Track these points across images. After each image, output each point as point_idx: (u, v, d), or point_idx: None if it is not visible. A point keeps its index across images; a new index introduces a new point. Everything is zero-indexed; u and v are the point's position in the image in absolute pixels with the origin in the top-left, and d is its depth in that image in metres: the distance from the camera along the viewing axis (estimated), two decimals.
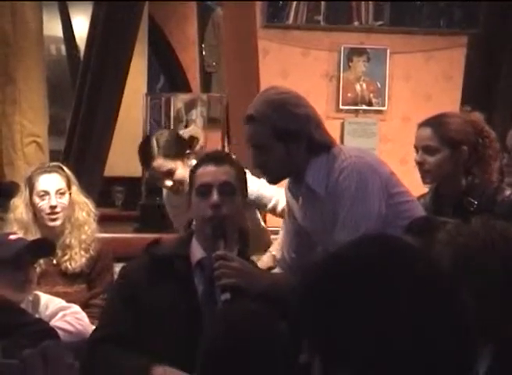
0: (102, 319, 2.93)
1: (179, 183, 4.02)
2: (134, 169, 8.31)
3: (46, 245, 3.54)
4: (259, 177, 3.57)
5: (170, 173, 4.03)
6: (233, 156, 3.28)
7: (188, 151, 4.08)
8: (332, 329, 1.21)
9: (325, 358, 1.22)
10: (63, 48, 7.78)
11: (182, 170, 4.02)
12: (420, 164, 3.38)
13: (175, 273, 2.76)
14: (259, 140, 2.92)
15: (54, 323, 3.36)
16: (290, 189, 3.09)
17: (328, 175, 2.91)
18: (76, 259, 3.74)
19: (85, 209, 3.82)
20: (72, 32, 7.44)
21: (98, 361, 2.76)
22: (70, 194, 3.81)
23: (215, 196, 2.74)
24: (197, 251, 2.80)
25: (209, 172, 2.79)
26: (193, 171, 2.88)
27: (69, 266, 3.74)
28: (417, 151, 3.41)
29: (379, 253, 1.26)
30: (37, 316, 3.38)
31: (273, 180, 3.05)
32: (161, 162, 4.03)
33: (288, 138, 2.90)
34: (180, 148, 4.09)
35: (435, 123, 3.37)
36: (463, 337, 1.23)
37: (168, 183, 4.02)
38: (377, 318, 1.19)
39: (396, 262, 1.24)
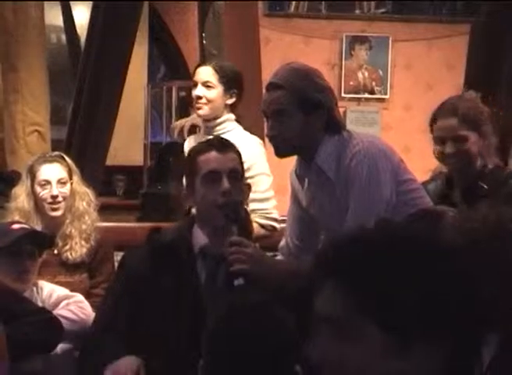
0: (103, 309, 2.93)
1: (206, 100, 3.89)
2: (135, 158, 8.33)
3: (45, 237, 3.55)
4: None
5: (206, 85, 3.89)
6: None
7: (236, 91, 3.92)
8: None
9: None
10: (64, 37, 7.77)
11: (217, 96, 3.89)
12: (452, 154, 3.32)
13: (177, 260, 2.76)
14: (281, 106, 2.91)
15: (57, 311, 3.36)
16: (297, 172, 3.08)
17: (339, 158, 2.91)
18: (76, 249, 3.74)
19: (85, 199, 3.82)
20: (73, 21, 7.44)
21: (93, 354, 2.78)
22: (71, 183, 3.81)
23: (225, 183, 2.75)
24: (199, 239, 2.81)
25: (216, 158, 2.79)
26: (193, 157, 2.85)
27: (70, 256, 3.74)
28: (442, 142, 3.33)
29: (399, 237, 1.28)
30: (40, 304, 3.39)
31: (283, 153, 3.01)
32: (208, 71, 3.89)
33: (310, 108, 2.91)
34: (231, 80, 3.91)
35: (456, 110, 3.32)
36: (471, 322, 1.25)
37: (199, 91, 3.88)
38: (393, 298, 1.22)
39: (411, 247, 1.26)
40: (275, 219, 3.84)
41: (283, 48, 5.84)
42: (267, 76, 3.15)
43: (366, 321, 1.22)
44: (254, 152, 3.82)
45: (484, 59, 5.76)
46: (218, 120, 3.91)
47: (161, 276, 2.74)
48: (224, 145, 2.85)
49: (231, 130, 3.90)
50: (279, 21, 5.92)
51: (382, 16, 6.04)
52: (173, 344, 2.67)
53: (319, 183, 2.97)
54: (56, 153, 3.95)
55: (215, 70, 3.89)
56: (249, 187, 2.93)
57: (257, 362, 1.97)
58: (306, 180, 3.04)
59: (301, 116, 2.91)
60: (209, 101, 3.89)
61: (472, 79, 5.78)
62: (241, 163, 2.85)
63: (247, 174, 3.71)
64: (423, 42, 6.05)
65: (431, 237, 1.30)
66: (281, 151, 3.00)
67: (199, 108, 3.92)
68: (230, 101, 3.92)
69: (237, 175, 2.80)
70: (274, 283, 2.73)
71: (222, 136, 3.81)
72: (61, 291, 3.51)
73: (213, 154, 2.80)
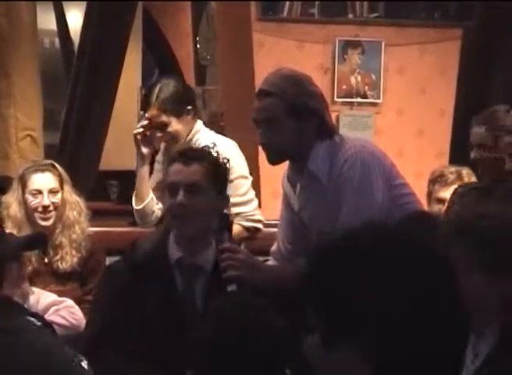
0: (90, 326, 2.93)
1: (170, 136, 3.89)
2: (129, 162, 8.31)
3: (38, 239, 3.54)
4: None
5: (162, 126, 3.90)
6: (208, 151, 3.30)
7: (189, 107, 3.92)
8: (333, 302, 1.23)
9: (325, 332, 1.24)
10: (57, 41, 7.76)
11: (176, 126, 3.89)
12: (478, 160, 3.37)
13: (154, 274, 2.76)
14: (272, 114, 2.91)
15: (48, 317, 3.35)
16: (289, 177, 3.08)
17: (331, 163, 2.91)
18: (67, 259, 3.74)
19: (76, 209, 3.82)
20: (66, 25, 7.42)
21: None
22: (62, 193, 3.80)
23: (180, 196, 2.75)
24: (174, 250, 2.81)
25: (176, 171, 2.79)
26: (166, 169, 2.90)
27: (61, 266, 3.74)
28: (471, 147, 3.40)
29: (382, 237, 1.29)
30: None
31: (275, 160, 3.02)
32: (154, 113, 3.90)
33: (302, 115, 2.91)
34: (178, 104, 3.91)
35: (489, 119, 3.34)
36: (456, 321, 1.25)
37: (159, 134, 3.90)
38: (377, 295, 1.22)
39: (397, 247, 1.27)
40: (258, 221, 3.86)
41: (276, 52, 5.84)
42: (260, 80, 3.15)
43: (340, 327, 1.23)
44: (229, 156, 3.83)
45: (477, 64, 5.77)
46: (190, 136, 3.92)
47: (140, 291, 2.73)
48: (189, 157, 2.82)
49: (205, 138, 3.91)
50: (272, 26, 5.93)
51: (374, 21, 6.05)
52: (155, 356, 2.66)
53: (311, 187, 2.97)
54: (48, 162, 3.94)
55: (159, 109, 3.89)
56: (228, 199, 2.92)
57: (248, 366, 1.98)
58: (298, 185, 3.04)
59: (292, 123, 2.91)
60: (173, 135, 3.89)
61: (465, 83, 5.79)
62: (211, 175, 2.81)
63: None
64: (416, 47, 6.06)
65: (417, 241, 1.30)
66: (273, 159, 3.00)
67: (171, 145, 3.91)
68: (189, 119, 3.92)
69: (197, 188, 2.77)
70: (267, 288, 2.74)
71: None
72: (49, 296, 3.50)
73: (176, 166, 2.80)
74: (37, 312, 3.35)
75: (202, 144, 3.85)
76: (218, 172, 2.85)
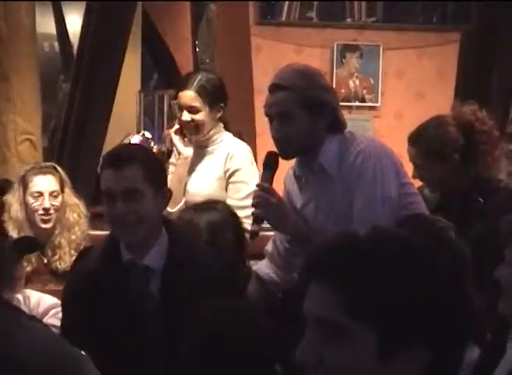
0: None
1: (195, 125, 3.83)
2: None
3: (30, 243, 3.55)
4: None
5: (193, 110, 3.83)
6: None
7: (222, 105, 3.86)
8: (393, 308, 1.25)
9: (383, 342, 1.25)
10: (56, 45, 7.77)
11: (205, 117, 3.82)
12: (418, 179, 3.42)
13: (109, 279, 2.67)
14: (285, 107, 2.91)
15: (47, 320, 3.36)
16: (295, 172, 3.08)
17: (341, 157, 2.92)
18: (65, 259, 3.77)
19: (76, 211, 3.84)
20: (66, 29, 7.43)
21: None
22: (63, 195, 3.82)
23: (119, 204, 2.59)
24: (124, 252, 2.70)
25: (110, 177, 2.61)
26: (100, 171, 2.75)
27: (59, 266, 3.77)
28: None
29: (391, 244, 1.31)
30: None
31: (288, 154, 3.01)
32: (192, 95, 3.80)
33: (314, 108, 2.91)
34: (215, 97, 3.83)
35: (419, 140, 3.39)
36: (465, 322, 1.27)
37: (186, 117, 3.81)
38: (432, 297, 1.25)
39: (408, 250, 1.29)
40: (246, 230, 3.80)
41: (275, 56, 5.86)
42: (258, 84, 3.17)
43: (353, 323, 1.23)
44: (240, 159, 3.82)
45: (474, 67, 5.79)
46: (209, 134, 3.88)
47: (98, 298, 2.65)
48: (122, 159, 2.61)
49: (222, 140, 3.91)
50: (270, 30, 5.95)
51: (373, 25, 6.06)
52: (119, 362, 2.59)
53: (319, 182, 2.97)
54: (49, 164, 3.97)
55: (198, 93, 3.81)
56: (170, 192, 2.75)
57: (239, 364, 1.99)
58: (303, 180, 3.04)
59: (306, 117, 2.91)
60: (198, 124, 3.83)
61: (463, 87, 5.80)
62: (149, 174, 2.62)
63: (230, 179, 3.75)
64: (414, 50, 6.08)
65: (422, 244, 1.31)
66: (287, 153, 2.99)
67: (191, 134, 3.87)
68: (218, 115, 3.87)
69: (134, 193, 2.58)
70: (290, 231, 2.95)
71: (213, 146, 3.84)
72: (49, 299, 3.51)
73: (109, 172, 2.61)
74: (35, 315, 3.37)
75: (222, 145, 3.85)
76: (151, 169, 2.64)
